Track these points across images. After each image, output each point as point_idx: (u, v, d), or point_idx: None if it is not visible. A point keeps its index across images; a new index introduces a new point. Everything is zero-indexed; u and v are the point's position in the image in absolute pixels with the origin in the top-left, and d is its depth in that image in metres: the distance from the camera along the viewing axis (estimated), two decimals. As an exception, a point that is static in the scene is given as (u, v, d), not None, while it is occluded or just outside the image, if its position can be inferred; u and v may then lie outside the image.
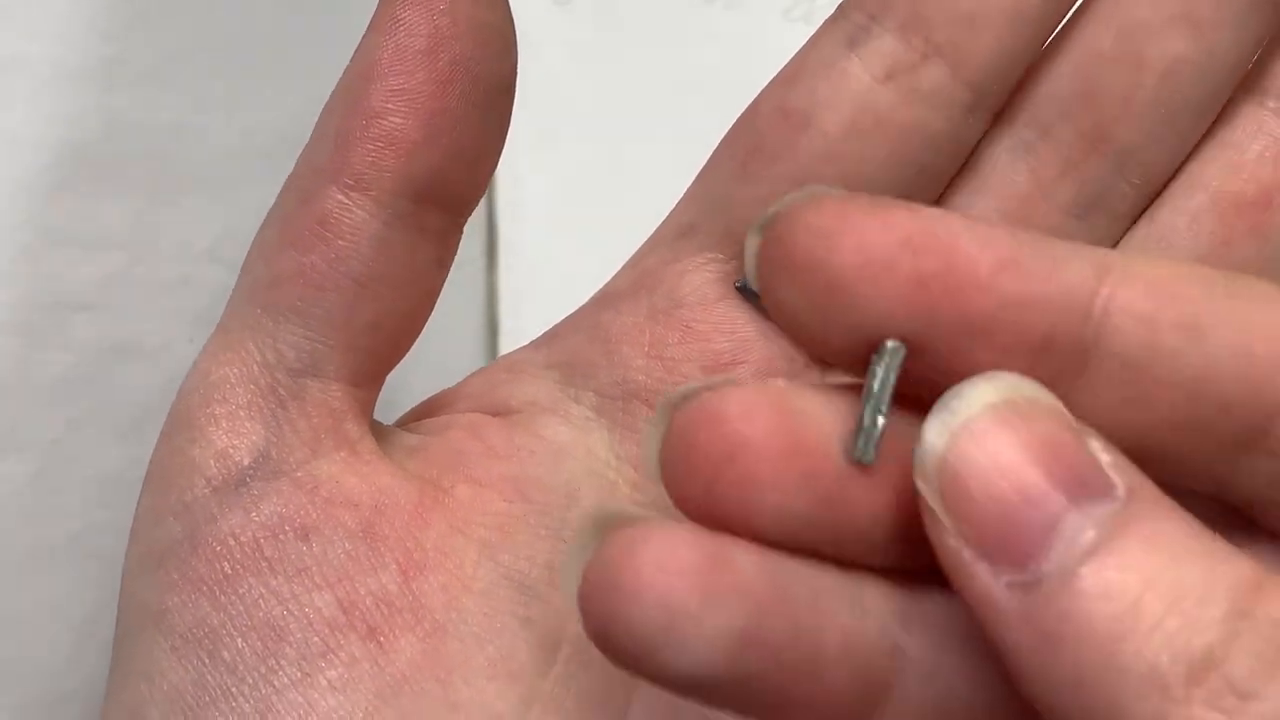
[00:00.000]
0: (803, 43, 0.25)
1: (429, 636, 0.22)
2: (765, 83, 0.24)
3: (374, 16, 0.22)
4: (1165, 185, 0.24)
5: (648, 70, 0.40)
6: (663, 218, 0.26)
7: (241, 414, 0.22)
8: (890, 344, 0.18)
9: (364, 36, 0.22)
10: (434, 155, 0.22)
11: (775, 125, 0.23)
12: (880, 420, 0.18)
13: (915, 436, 0.16)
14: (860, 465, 0.18)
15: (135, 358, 0.29)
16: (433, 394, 0.26)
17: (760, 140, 0.24)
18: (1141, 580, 0.15)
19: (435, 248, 0.23)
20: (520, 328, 0.39)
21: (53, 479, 0.28)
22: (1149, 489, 0.16)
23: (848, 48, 0.23)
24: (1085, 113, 0.23)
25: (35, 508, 0.27)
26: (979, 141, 0.24)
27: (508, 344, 0.39)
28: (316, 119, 0.33)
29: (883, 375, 0.18)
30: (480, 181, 0.23)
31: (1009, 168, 0.24)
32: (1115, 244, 0.24)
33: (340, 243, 0.22)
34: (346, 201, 0.22)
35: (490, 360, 0.39)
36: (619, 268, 0.26)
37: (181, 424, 0.22)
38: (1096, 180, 0.24)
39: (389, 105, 0.22)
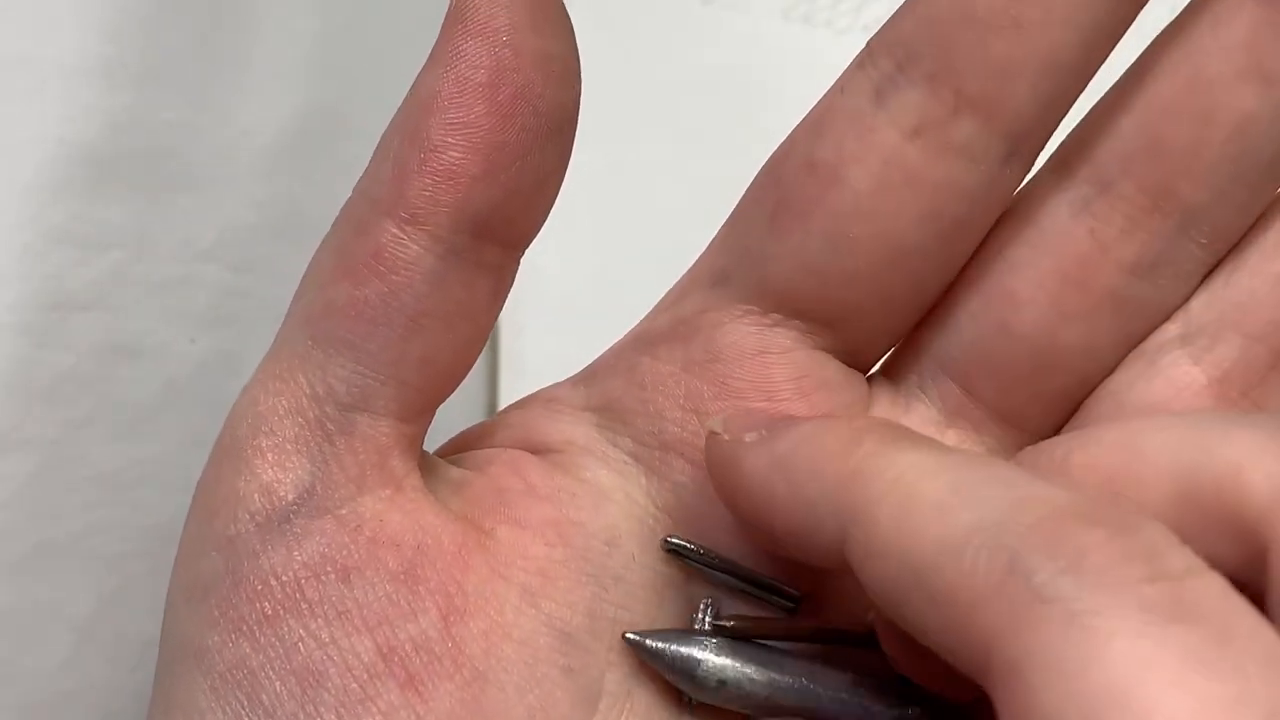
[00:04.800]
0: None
1: (468, 685, 0.21)
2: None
3: (435, 47, 0.22)
4: (1236, 244, 0.23)
5: (647, 70, 0.40)
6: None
7: (288, 447, 0.22)
8: (704, 602, 0.23)
9: (424, 67, 0.22)
10: (493, 190, 0.21)
11: (803, 179, 0.23)
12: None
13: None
14: (688, 704, 0.23)
15: (135, 357, 0.29)
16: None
17: (788, 194, 0.23)
18: None
19: (491, 282, 0.23)
20: (519, 327, 0.39)
21: (53, 479, 0.28)
22: None
23: (875, 100, 0.22)
24: (1149, 168, 0.22)
25: (35, 507, 0.27)
26: (1037, 192, 0.23)
27: (508, 344, 0.39)
28: (317, 120, 0.33)
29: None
30: (539, 215, 0.23)
31: (1069, 224, 0.23)
32: (1182, 303, 0.23)
33: (394, 277, 0.21)
34: (402, 236, 0.21)
35: (490, 361, 0.39)
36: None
37: (228, 453, 0.22)
38: (1161, 239, 0.23)
39: (448, 139, 0.21)
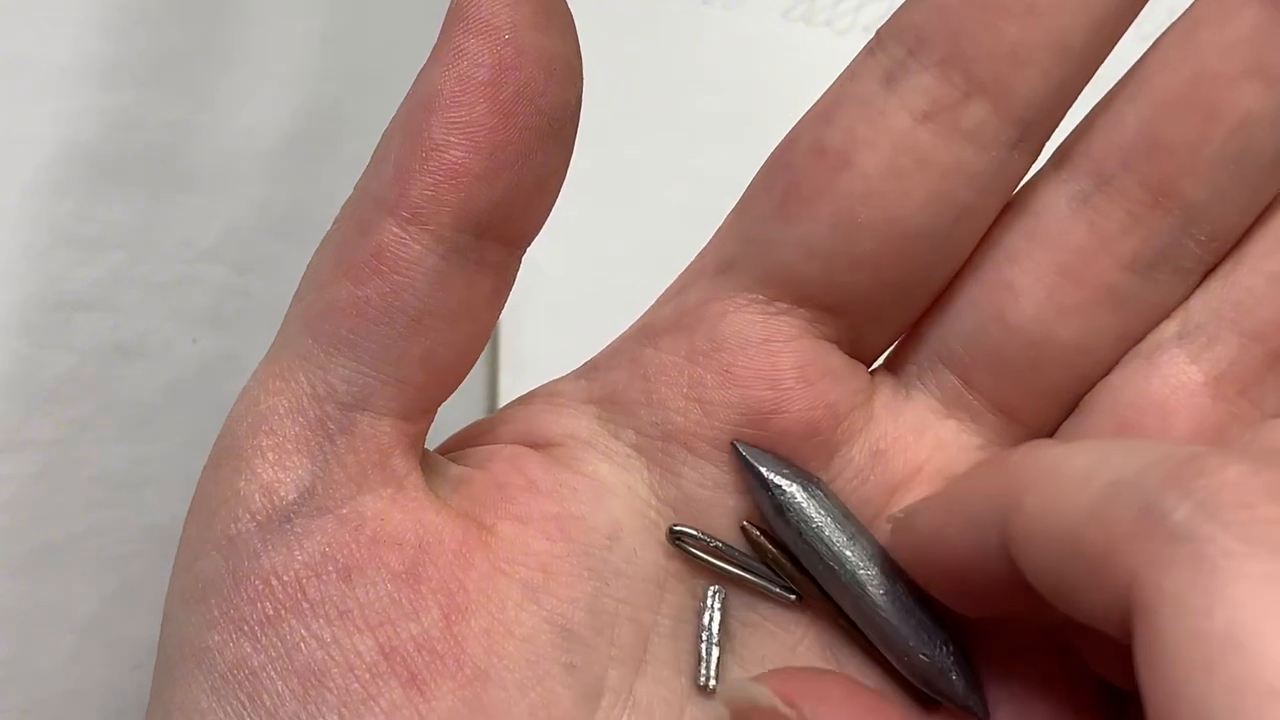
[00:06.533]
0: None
1: (470, 683, 0.21)
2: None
3: (436, 44, 0.22)
4: (1236, 242, 0.23)
5: (646, 70, 0.40)
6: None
7: (289, 447, 0.22)
8: (712, 588, 0.23)
9: (426, 65, 0.22)
10: (495, 189, 0.21)
11: (812, 164, 0.23)
12: (715, 651, 0.23)
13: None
14: (705, 691, 0.23)
15: (137, 357, 0.29)
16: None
17: (797, 179, 0.23)
18: None
19: (493, 280, 0.22)
20: (519, 325, 0.39)
21: (55, 479, 0.28)
22: None
23: (885, 84, 0.22)
24: (1150, 165, 0.22)
25: (38, 507, 0.27)
26: (1038, 183, 0.23)
27: (508, 342, 0.39)
28: (318, 120, 0.33)
29: (709, 616, 0.23)
30: (541, 213, 0.23)
31: (1068, 218, 0.23)
32: (1181, 301, 0.23)
33: (396, 277, 0.21)
34: (404, 235, 0.21)
35: (490, 360, 0.39)
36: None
37: (228, 453, 0.22)
38: (1161, 236, 0.23)
39: (450, 138, 0.21)
